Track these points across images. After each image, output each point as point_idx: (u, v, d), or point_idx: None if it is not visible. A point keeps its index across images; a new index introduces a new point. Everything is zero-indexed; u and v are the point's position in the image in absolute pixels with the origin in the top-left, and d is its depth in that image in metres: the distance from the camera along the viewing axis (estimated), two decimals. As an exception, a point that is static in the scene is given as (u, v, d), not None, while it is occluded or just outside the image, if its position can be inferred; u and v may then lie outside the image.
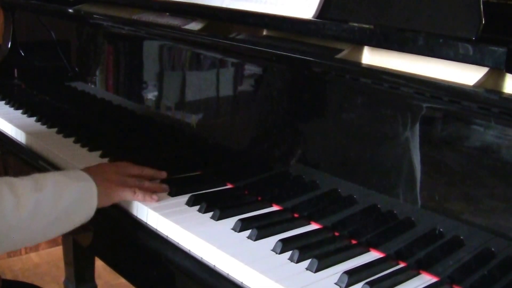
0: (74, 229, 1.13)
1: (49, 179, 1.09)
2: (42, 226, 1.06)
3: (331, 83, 1.13)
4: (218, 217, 1.12)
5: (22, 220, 1.02)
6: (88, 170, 1.17)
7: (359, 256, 1.02)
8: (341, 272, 0.94)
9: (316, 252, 1.00)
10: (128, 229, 1.18)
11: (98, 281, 2.22)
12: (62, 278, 2.22)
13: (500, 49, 0.90)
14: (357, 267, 0.97)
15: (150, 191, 1.19)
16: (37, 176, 1.10)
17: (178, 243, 1.08)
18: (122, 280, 1.25)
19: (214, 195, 1.23)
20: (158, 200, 1.18)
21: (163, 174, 1.28)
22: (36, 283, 1.46)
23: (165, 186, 1.23)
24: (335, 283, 0.93)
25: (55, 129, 1.62)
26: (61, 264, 2.26)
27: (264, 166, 1.25)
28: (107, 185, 1.15)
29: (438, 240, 0.99)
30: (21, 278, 2.61)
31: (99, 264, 2.11)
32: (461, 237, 0.96)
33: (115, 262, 1.29)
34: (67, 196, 1.08)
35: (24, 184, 1.05)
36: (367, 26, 1.07)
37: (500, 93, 0.94)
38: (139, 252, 1.16)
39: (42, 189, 1.05)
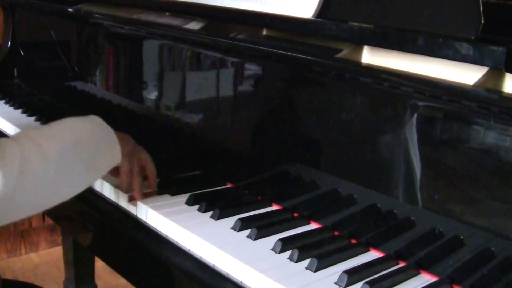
0: (74, 228, 1.12)
1: (66, 127, 1.07)
2: (72, 174, 1.03)
3: (331, 82, 1.13)
4: (217, 217, 1.12)
5: (52, 172, 0.99)
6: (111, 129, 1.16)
7: (359, 256, 1.02)
8: (341, 272, 0.94)
9: (315, 251, 1.00)
10: (128, 229, 1.18)
11: (98, 282, 2.22)
12: (62, 279, 2.22)
13: (500, 48, 0.90)
14: (356, 266, 0.97)
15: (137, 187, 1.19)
16: (54, 124, 1.08)
17: (177, 242, 1.08)
18: (122, 281, 1.25)
19: (214, 195, 1.23)
20: (155, 196, 1.20)
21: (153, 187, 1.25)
22: (36, 283, 1.46)
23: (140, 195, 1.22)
24: (335, 283, 0.93)
25: (55, 129, 1.61)
26: (61, 264, 2.26)
27: (264, 166, 1.25)
28: (123, 144, 1.14)
29: (438, 240, 0.99)
30: (21, 279, 2.61)
31: (99, 264, 2.11)
32: (461, 237, 0.96)
33: (115, 262, 1.29)
34: (89, 140, 1.06)
35: (46, 136, 1.02)
36: (367, 25, 1.07)
37: (499, 92, 0.94)
38: (138, 251, 1.16)
39: (62, 137, 1.03)
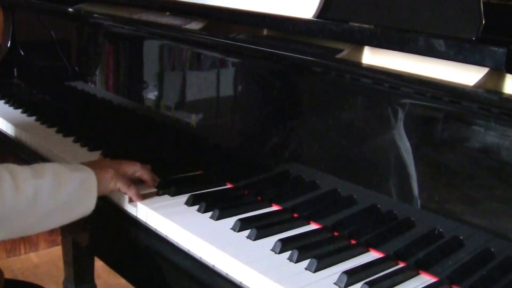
0: (74, 228, 1.13)
1: (48, 168, 1.10)
2: (41, 214, 1.06)
3: (331, 83, 1.13)
4: (217, 217, 1.12)
5: (21, 206, 1.02)
6: (85, 163, 1.19)
7: (358, 256, 1.02)
8: (340, 272, 0.94)
9: (315, 252, 1.00)
10: (127, 229, 1.18)
11: (97, 281, 2.22)
12: (62, 278, 2.22)
13: (500, 49, 0.90)
14: (356, 267, 0.97)
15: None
16: (36, 165, 1.11)
17: (177, 242, 1.08)
18: (122, 280, 1.25)
19: (213, 195, 1.23)
20: (155, 196, 1.20)
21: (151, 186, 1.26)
22: (36, 283, 1.46)
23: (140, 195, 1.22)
24: (334, 283, 0.93)
25: (54, 129, 1.62)
26: (61, 264, 2.25)
27: (263, 166, 1.25)
28: (104, 173, 1.16)
29: (438, 241, 0.99)
30: (20, 278, 2.60)
31: (98, 264, 2.11)
32: (461, 238, 0.96)
33: (115, 262, 1.29)
34: (68, 185, 1.08)
35: (24, 171, 1.05)
36: (367, 26, 1.07)
37: (500, 93, 0.94)
38: (138, 251, 1.16)
39: (42, 176, 1.06)
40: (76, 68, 1.83)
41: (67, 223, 1.12)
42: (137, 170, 1.24)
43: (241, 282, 0.96)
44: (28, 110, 1.77)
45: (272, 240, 1.04)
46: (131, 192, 1.19)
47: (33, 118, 1.72)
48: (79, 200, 1.11)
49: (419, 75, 1.00)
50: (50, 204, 1.06)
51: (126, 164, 1.24)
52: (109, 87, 1.70)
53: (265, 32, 1.42)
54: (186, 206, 1.18)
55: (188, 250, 1.05)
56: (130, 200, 1.20)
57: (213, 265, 1.00)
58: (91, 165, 1.18)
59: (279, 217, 1.14)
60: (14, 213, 1.02)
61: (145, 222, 1.15)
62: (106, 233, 1.28)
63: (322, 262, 0.97)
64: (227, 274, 0.98)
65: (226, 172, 1.33)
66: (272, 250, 1.02)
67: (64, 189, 1.08)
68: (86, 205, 1.12)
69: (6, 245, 2.83)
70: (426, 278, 0.97)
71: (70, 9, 1.77)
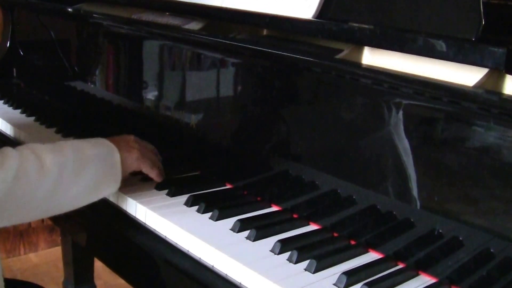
0: (73, 229, 1.13)
1: (71, 145, 1.09)
2: (69, 192, 1.05)
3: (331, 83, 1.13)
4: (217, 218, 1.12)
5: (47, 185, 1.01)
6: (110, 138, 1.18)
7: (358, 257, 1.02)
8: (340, 273, 0.94)
9: (315, 252, 1.00)
10: (126, 229, 1.18)
11: (97, 282, 2.22)
12: (61, 279, 2.22)
13: (500, 50, 0.90)
14: (355, 267, 0.97)
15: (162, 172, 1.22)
16: (59, 143, 1.10)
17: (176, 243, 1.08)
18: (121, 281, 1.25)
19: (213, 195, 1.23)
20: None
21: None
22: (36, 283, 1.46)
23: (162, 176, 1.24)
24: (334, 284, 0.93)
25: (54, 129, 1.62)
26: (60, 264, 2.25)
27: (263, 167, 1.25)
28: (130, 150, 1.16)
29: (437, 241, 0.98)
30: (20, 279, 2.60)
31: (98, 264, 2.10)
32: (460, 238, 0.96)
33: (114, 262, 1.29)
34: (90, 164, 1.07)
35: (48, 150, 1.04)
36: (367, 26, 1.07)
37: (499, 94, 0.94)
38: (137, 252, 1.16)
39: (65, 154, 1.05)
40: (76, 68, 1.83)
41: (92, 201, 1.11)
42: (156, 162, 1.24)
43: (240, 283, 0.96)
44: (27, 110, 1.77)
45: (271, 240, 1.04)
46: (153, 173, 1.20)
47: (32, 118, 1.72)
48: (103, 177, 1.10)
49: (419, 76, 1.00)
50: (75, 182, 1.05)
51: (151, 151, 1.24)
52: (109, 87, 1.70)
53: (265, 32, 1.42)
54: (185, 206, 1.18)
55: (188, 250, 1.05)
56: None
57: (213, 266, 1.00)
58: (116, 141, 1.16)
59: (279, 218, 1.14)
60: (40, 192, 1.01)
61: (144, 223, 1.15)
62: (105, 233, 1.28)
63: (321, 263, 0.97)
64: (226, 274, 0.98)
65: (226, 172, 1.33)
66: (272, 250, 1.02)
67: (88, 166, 1.07)
68: (111, 184, 1.12)
69: (6, 245, 2.83)
70: (425, 279, 0.97)
71: (69, 9, 1.77)
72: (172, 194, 1.22)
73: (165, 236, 1.10)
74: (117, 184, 1.13)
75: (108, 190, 1.13)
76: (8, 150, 1.01)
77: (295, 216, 1.15)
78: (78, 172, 1.06)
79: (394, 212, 1.04)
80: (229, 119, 1.35)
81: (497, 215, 0.92)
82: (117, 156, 1.12)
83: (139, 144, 1.21)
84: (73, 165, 1.05)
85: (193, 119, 1.39)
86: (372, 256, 1.03)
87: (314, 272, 0.96)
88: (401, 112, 1.01)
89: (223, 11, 1.34)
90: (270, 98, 1.23)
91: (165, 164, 1.37)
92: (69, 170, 1.04)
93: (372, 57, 1.12)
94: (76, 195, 1.07)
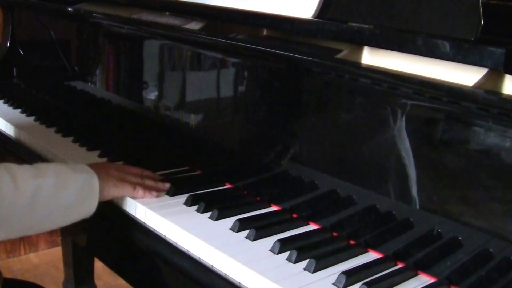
0: (73, 229, 1.12)
1: (50, 168, 1.09)
2: (41, 214, 1.05)
3: (330, 83, 1.13)
4: (216, 217, 1.12)
5: (21, 206, 1.01)
6: (90, 164, 1.17)
7: (357, 257, 1.02)
8: (339, 273, 0.94)
9: (314, 252, 1.00)
10: (126, 229, 1.18)
11: (97, 282, 2.21)
12: (62, 279, 2.22)
13: (499, 50, 0.90)
14: (355, 267, 0.97)
15: (150, 189, 1.19)
16: (38, 164, 1.10)
17: (176, 243, 1.08)
18: (122, 281, 1.25)
19: (212, 195, 1.23)
20: (157, 198, 1.19)
21: (166, 186, 1.23)
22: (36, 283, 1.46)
23: (167, 184, 1.23)
24: (333, 284, 0.93)
25: (54, 128, 1.62)
26: (61, 265, 2.25)
27: (263, 167, 1.25)
28: (108, 178, 1.15)
29: (436, 241, 0.99)
30: (20, 279, 2.60)
31: (98, 265, 2.10)
32: (459, 238, 0.96)
33: (114, 262, 1.29)
34: (69, 187, 1.07)
35: (24, 170, 1.04)
36: (366, 26, 1.07)
37: (499, 94, 0.94)
38: (137, 252, 1.16)
39: (43, 176, 1.05)
40: (76, 67, 1.83)
41: (66, 224, 1.11)
42: (144, 170, 1.23)
43: (240, 283, 0.96)
44: (27, 109, 1.77)
45: (271, 240, 1.04)
46: (138, 194, 1.18)
47: (32, 118, 1.72)
48: (79, 203, 1.09)
49: (418, 76, 1.01)
50: (50, 205, 1.05)
51: (133, 173, 1.23)
52: (109, 87, 1.70)
53: (264, 32, 1.42)
54: (185, 206, 1.18)
55: (187, 250, 1.05)
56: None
57: (212, 266, 1.00)
58: (96, 167, 1.16)
59: (278, 218, 1.14)
60: (13, 213, 1.01)
61: (144, 222, 1.15)
62: (104, 233, 1.28)
63: (320, 263, 0.97)
64: (225, 274, 0.98)
65: (225, 172, 1.33)
66: (271, 250, 1.02)
67: (65, 190, 1.07)
68: (86, 208, 1.11)
69: (6, 246, 2.83)
70: (424, 279, 0.97)
71: (69, 9, 1.77)
72: (171, 194, 1.22)
73: (165, 236, 1.10)
74: (92, 209, 1.11)
75: (85, 213, 1.11)
76: None
77: (294, 216, 1.15)
78: (55, 194, 1.05)
79: (394, 212, 1.04)
80: (229, 119, 1.35)
81: (496, 215, 0.92)
82: (96, 181, 1.12)
83: (119, 172, 1.20)
84: (51, 187, 1.05)
85: (193, 119, 1.39)
86: (371, 256, 1.03)
87: (313, 272, 0.96)
88: (400, 112, 1.01)
89: (223, 11, 1.34)
90: (270, 98, 1.23)
91: (165, 164, 1.38)
92: (45, 193, 1.04)
93: (372, 57, 1.12)
94: (53, 215, 1.07)
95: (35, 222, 1.06)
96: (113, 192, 1.16)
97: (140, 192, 1.18)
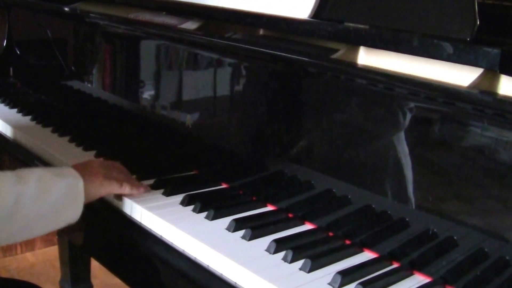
0: (69, 228, 1.12)
1: (33, 174, 1.06)
2: (24, 222, 1.02)
3: (326, 83, 1.13)
4: (212, 217, 1.12)
5: (2, 214, 0.99)
6: (74, 166, 1.16)
7: (352, 257, 1.02)
8: (335, 273, 0.94)
9: (309, 252, 1.00)
10: (122, 229, 1.18)
11: (94, 281, 2.21)
12: (58, 278, 2.22)
13: (495, 50, 0.90)
14: (350, 267, 0.97)
15: (137, 184, 1.20)
16: (20, 170, 1.07)
17: (172, 242, 1.08)
18: (118, 280, 1.25)
19: (208, 195, 1.23)
20: (149, 194, 1.20)
21: (147, 189, 1.23)
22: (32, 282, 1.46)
23: (147, 186, 1.22)
24: (328, 283, 0.93)
25: (50, 128, 1.61)
26: (57, 263, 2.25)
27: (259, 166, 1.25)
28: (93, 178, 1.14)
29: (432, 241, 0.99)
30: (16, 278, 2.60)
31: (95, 264, 2.10)
32: (455, 238, 0.96)
33: (110, 262, 1.29)
34: (53, 192, 1.05)
35: (5, 177, 1.02)
36: (362, 26, 1.07)
37: (494, 94, 0.94)
38: (133, 252, 1.16)
39: (25, 183, 1.02)
40: (72, 67, 1.83)
41: (52, 230, 1.09)
42: (124, 179, 1.21)
43: (235, 283, 0.96)
44: (23, 109, 1.77)
45: (266, 240, 1.04)
46: (126, 191, 1.17)
47: (29, 117, 1.72)
48: (64, 207, 1.08)
49: (414, 76, 1.01)
50: (33, 212, 1.03)
51: (117, 169, 1.22)
52: (105, 87, 1.70)
53: (261, 32, 1.42)
54: (181, 206, 1.18)
55: (183, 250, 1.05)
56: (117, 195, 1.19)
57: (208, 265, 1.00)
58: (80, 169, 1.13)
59: (274, 217, 1.14)
60: None
61: (140, 222, 1.15)
62: (101, 233, 1.28)
63: (316, 263, 0.97)
64: (221, 274, 0.98)
65: (221, 172, 1.33)
66: (267, 250, 1.02)
67: (49, 196, 1.04)
68: (72, 213, 1.09)
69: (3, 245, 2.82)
70: (420, 278, 0.97)
71: (66, 9, 1.76)
72: (168, 193, 1.22)
73: (161, 236, 1.10)
74: (77, 214, 1.10)
75: (70, 219, 1.09)
76: None
77: (290, 215, 1.15)
78: (38, 200, 1.03)
79: (389, 212, 1.04)
80: (225, 119, 1.35)
81: (491, 215, 0.92)
82: (80, 185, 1.10)
83: (104, 168, 1.18)
84: (34, 194, 1.03)
85: (189, 118, 1.39)
86: (367, 255, 1.03)
87: (308, 272, 0.96)
88: (396, 112, 1.01)
89: (219, 10, 1.34)
90: (266, 98, 1.23)
91: (161, 164, 1.38)
92: (28, 199, 1.02)
93: (368, 57, 1.12)
94: (37, 222, 1.05)
95: (18, 230, 1.03)
96: (99, 191, 1.15)
97: (127, 188, 1.17)
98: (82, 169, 1.14)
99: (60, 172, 1.11)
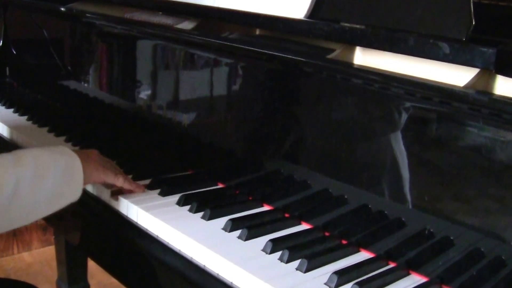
0: (66, 228, 1.11)
1: (29, 154, 1.05)
2: (24, 204, 1.02)
3: (322, 83, 1.13)
4: (208, 217, 1.12)
5: (3, 199, 0.98)
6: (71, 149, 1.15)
7: (349, 256, 1.02)
8: (331, 272, 0.94)
9: (306, 252, 1.00)
10: (119, 229, 1.18)
11: (91, 281, 2.21)
12: (55, 278, 2.22)
13: (490, 50, 0.90)
14: (346, 267, 0.97)
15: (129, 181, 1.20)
16: (16, 152, 1.06)
17: (168, 242, 1.08)
18: (115, 280, 1.25)
19: (204, 195, 1.23)
20: (145, 194, 1.20)
21: (142, 188, 1.23)
22: (29, 282, 1.45)
23: (142, 186, 1.23)
24: (325, 283, 0.93)
25: (46, 128, 1.61)
26: (54, 263, 2.25)
27: (255, 166, 1.25)
28: (89, 161, 1.14)
29: (428, 240, 0.99)
30: (13, 278, 2.60)
31: (92, 264, 2.10)
32: (451, 237, 0.96)
33: (106, 262, 1.29)
34: (50, 171, 1.04)
35: (4, 160, 1.01)
36: (358, 26, 1.07)
37: (490, 94, 0.94)
38: (129, 251, 1.16)
39: (22, 164, 1.02)
40: (69, 67, 1.82)
41: (53, 211, 1.08)
42: (119, 171, 1.22)
43: (232, 282, 0.96)
44: (20, 109, 1.77)
45: (263, 240, 1.04)
46: (119, 181, 1.18)
47: (25, 117, 1.72)
48: (64, 185, 1.07)
49: (410, 76, 1.01)
50: (36, 192, 1.02)
51: (111, 164, 1.22)
52: (101, 87, 1.69)
53: (257, 31, 1.42)
54: (177, 206, 1.18)
55: (179, 250, 1.05)
56: (113, 194, 1.19)
57: (204, 265, 1.00)
58: (77, 151, 1.13)
59: (270, 217, 1.14)
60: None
61: (136, 222, 1.15)
62: (97, 233, 1.28)
63: (312, 262, 0.97)
64: (218, 274, 0.98)
65: (218, 172, 1.33)
66: (263, 250, 1.02)
67: (48, 175, 1.03)
68: (72, 190, 1.08)
69: (-1, 244, 2.83)
70: (416, 278, 0.97)
71: (62, 8, 1.76)
72: (164, 193, 1.22)
73: (157, 236, 1.10)
74: (79, 191, 1.10)
75: (71, 198, 1.09)
76: None
77: (286, 215, 1.15)
78: (38, 181, 1.03)
79: (385, 212, 1.05)
80: (221, 118, 1.35)
81: (487, 214, 0.92)
82: (78, 163, 1.09)
83: (100, 158, 1.19)
84: (32, 175, 1.02)
85: (185, 118, 1.39)
86: (363, 255, 1.03)
87: (305, 272, 0.96)
88: (392, 112, 1.01)
89: (215, 10, 1.34)
90: (262, 97, 1.23)
91: (157, 164, 1.38)
92: (27, 181, 1.01)
93: (364, 57, 1.12)
94: (38, 204, 1.04)
95: (19, 214, 1.03)
96: (95, 176, 1.15)
97: (120, 179, 1.18)
98: (78, 152, 1.14)
99: (57, 150, 1.11)
